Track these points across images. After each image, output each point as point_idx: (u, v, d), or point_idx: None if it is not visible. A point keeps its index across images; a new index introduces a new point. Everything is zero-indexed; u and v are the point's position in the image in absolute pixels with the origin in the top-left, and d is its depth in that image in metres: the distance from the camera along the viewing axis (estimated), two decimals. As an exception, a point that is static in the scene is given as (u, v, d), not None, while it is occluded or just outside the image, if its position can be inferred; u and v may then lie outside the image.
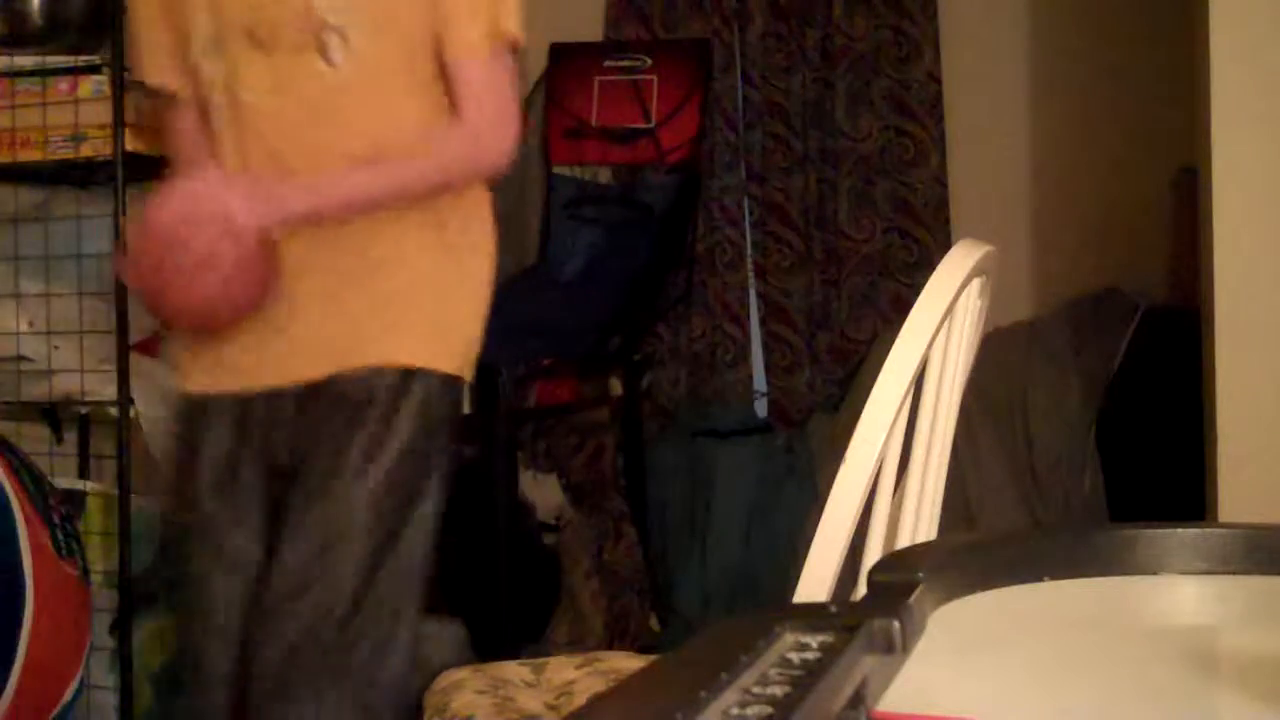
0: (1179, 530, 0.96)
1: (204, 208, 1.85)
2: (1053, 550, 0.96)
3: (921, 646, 0.77)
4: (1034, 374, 3.73)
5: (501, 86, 1.97)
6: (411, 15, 1.94)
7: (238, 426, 1.97)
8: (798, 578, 1.25)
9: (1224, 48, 2.48)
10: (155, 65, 2.04)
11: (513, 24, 1.96)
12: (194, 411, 2.01)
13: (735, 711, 0.58)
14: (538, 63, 4.30)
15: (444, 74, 1.95)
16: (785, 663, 0.64)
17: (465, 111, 1.95)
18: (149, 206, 1.90)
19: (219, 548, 1.96)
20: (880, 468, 1.29)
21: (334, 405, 1.91)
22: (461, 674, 1.92)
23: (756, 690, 0.61)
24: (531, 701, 1.83)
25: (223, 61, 1.94)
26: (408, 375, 1.92)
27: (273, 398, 1.95)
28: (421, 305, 1.96)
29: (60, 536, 2.66)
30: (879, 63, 4.08)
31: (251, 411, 1.96)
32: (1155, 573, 0.95)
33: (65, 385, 2.81)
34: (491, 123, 1.96)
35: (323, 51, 1.90)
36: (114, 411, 2.69)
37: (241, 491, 1.97)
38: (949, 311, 1.36)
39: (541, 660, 1.99)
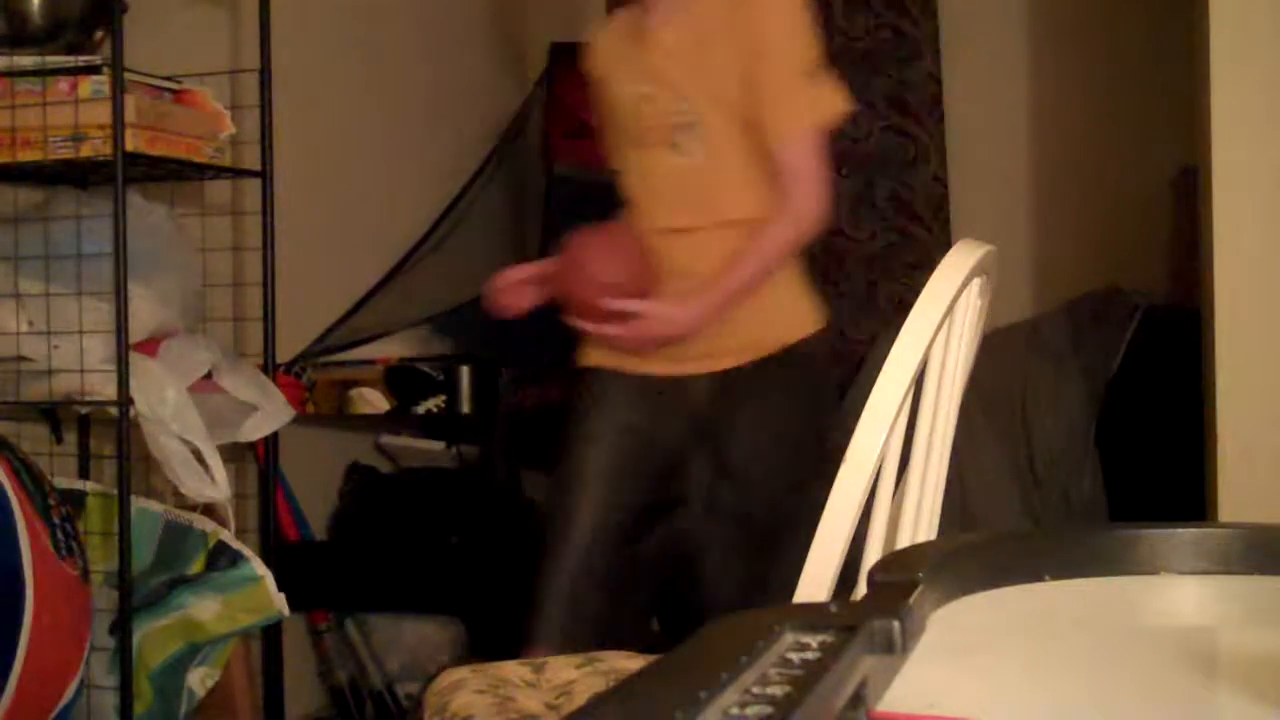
0: (1179, 530, 0.96)
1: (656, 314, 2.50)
2: (1053, 550, 0.96)
3: (921, 646, 0.77)
4: (1034, 374, 3.73)
5: (814, 167, 2.49)
6: (748, 107, 2.47)
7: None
8: (798, 578, 1.25)
9: (1224, 48, 2.48)
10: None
11: (824, 108, 2.50)
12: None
13: (735, 711, 0.58)
14: (538, 63, 4.30)
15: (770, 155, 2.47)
16: (785, 663, 0.64)
17: (787, 194, 2.48)
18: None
19: None
20: (880, 468, 1.29)
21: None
22: (461, 674, 1.92)
23: (756, 690, 0.61)
24: (531, 701, 1.83)
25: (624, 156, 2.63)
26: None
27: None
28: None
29: (60, 536, 2.65)
30: (879, 63, 4.08)
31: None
32: (1155, 573, 0.95)
33: (65, 385, 2.81)
34: (809, 201, 2.48)
35: (676, 147, 2.53)
36: (114, 411, 2.69)
37: None
38: (949, 311, 1.36)
39: (541, 660, 1.99)
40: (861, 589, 1.28)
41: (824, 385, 2.75)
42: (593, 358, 2.68)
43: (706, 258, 2.56)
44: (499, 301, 2.74)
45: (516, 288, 2.72)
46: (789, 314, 2.62)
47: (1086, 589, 0.93)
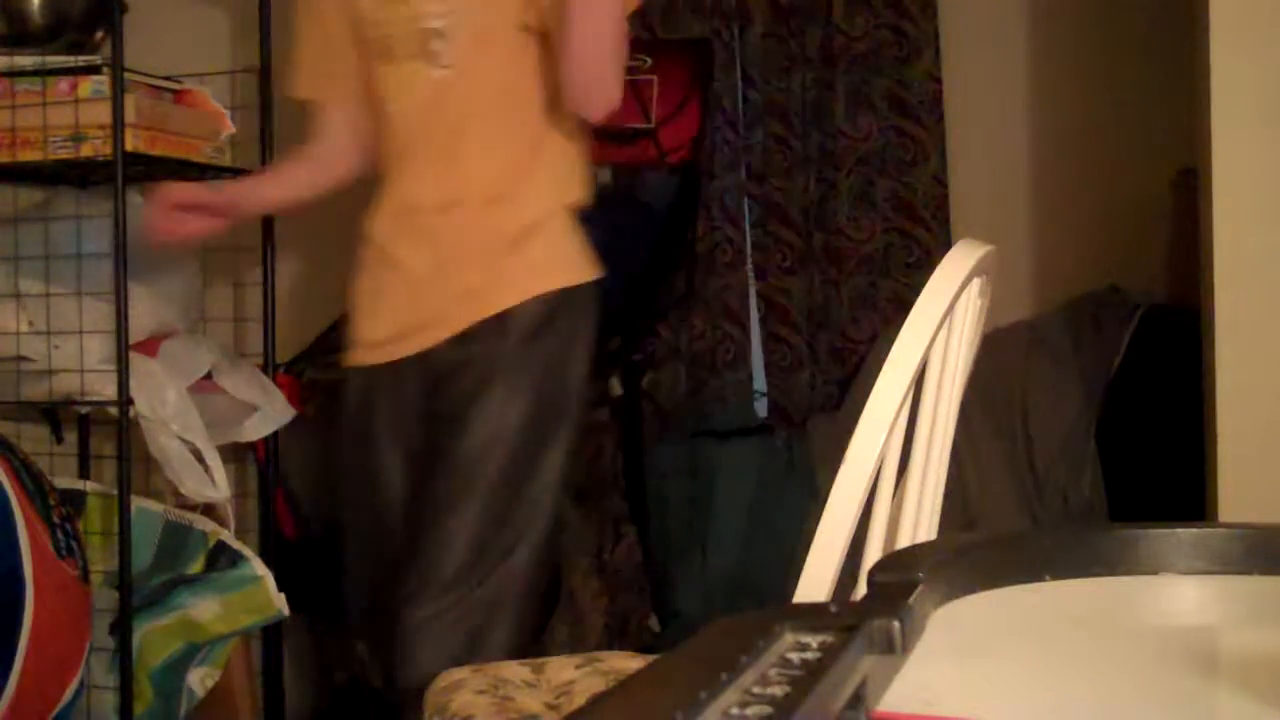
0: (1179, 530, 0.96)
1: None
2: (1053, 550, 0.96)
3: (921, 646, 0.77)
4: (1034, 374, 3.73)
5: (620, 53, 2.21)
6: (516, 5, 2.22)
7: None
8: (798, 578, 1.25)
9: (1224, 48, 2.48)
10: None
11: None
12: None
13: (735, 711, 0.58)
14: (538, 63, 4.29)
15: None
16: (785, 663, 0.64)
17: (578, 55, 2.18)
18: None
19: None
20: (880, 468, 1.29)
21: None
22: (461, 674, 1.92)
23: (756, 690, 0.61)
24: (531, 701, 1.83)
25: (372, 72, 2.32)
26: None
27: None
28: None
29: (60, 536, 2.66)
30: (879, 63, 4.08)
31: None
32: (1155, 573, 0.95)
33: (65, 385, 2.81)
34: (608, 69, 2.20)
35: (431, 57, 2.24)
36: (114, 411, 2.69)
37: None
38: (949, 311, 1.36)
39: (541, 660, 1.99)
40: (861, 589, 1.28)
41: (582, 342, 2.39)
42: (351, 356, 2.41)
43: (461, 225, 2.28)
44: (160, 228, 2.41)
45: (178, 212, 2.41)
46: (540, 262, 2.33)
47: (1087, 589, 0.93)
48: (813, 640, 0.68)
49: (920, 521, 1.43)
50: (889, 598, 0.75)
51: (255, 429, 2.94)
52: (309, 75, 2.46)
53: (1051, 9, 4.05)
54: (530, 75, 2.26)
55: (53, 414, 3.09)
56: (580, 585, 3.52)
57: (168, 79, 2.83)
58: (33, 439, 3.00)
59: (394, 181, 2.34)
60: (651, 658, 1.73)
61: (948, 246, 1.58)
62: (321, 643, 3.57)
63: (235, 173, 3.05)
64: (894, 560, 0.90)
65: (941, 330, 1.35)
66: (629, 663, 1.98)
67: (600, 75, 2.19)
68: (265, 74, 3.07)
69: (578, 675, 1.91)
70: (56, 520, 2.67)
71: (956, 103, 4.06)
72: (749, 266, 4.20)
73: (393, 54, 2.28)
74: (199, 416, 2.77)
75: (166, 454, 2.73)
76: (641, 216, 4.05)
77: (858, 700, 0.64)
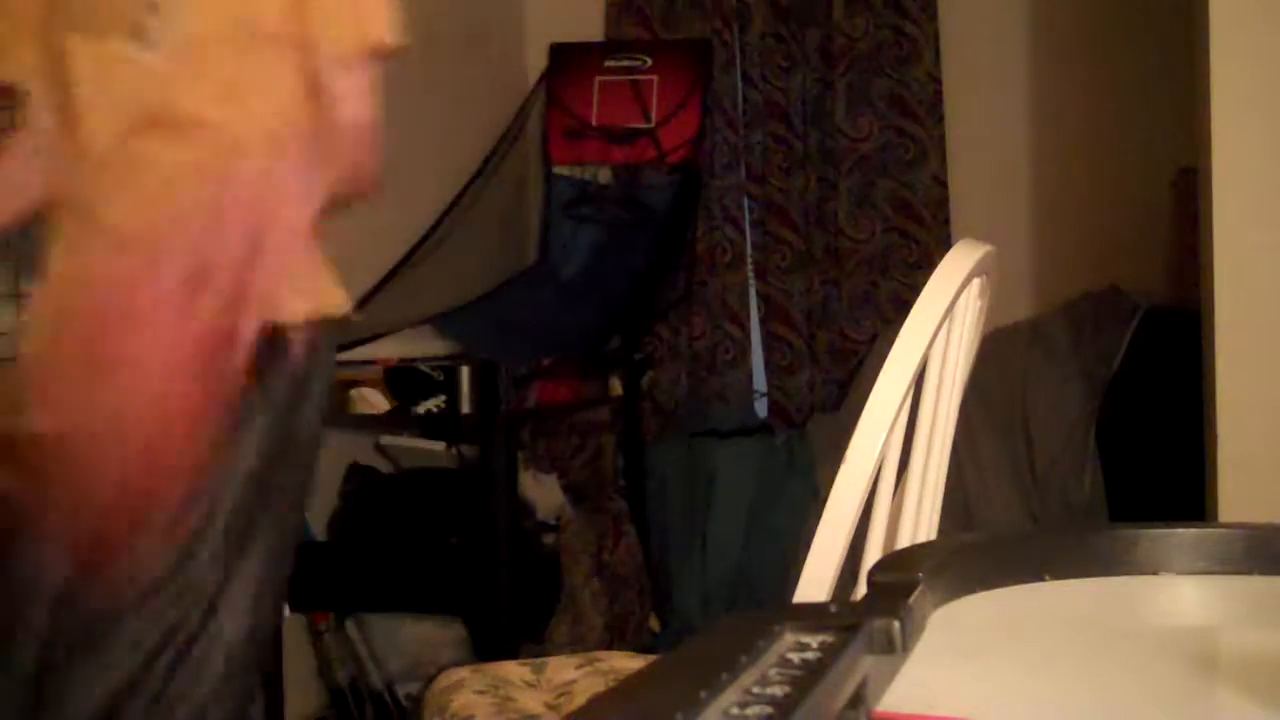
0: (1179, 530, 0.96)
1: None
2: (1053, 550, 0.96)
3: (921, 646, 0.77)
4: (1034, 374, 3.73)
5: (366, 106, 1.88)
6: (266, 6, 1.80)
7: None
8: (798, 578, 1.25)
9: (1224, 48, 2.48)
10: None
11: (382, 31, 1.89)
12: None
13: (735, 711, 0.58)
14: (538, 63, 4.30)
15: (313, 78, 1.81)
16: (785, 663, 0.64)
17: (330, 139, 1.87)
18: None
19: None
20: (880, 468, 1.29)
21: None
22: (461, 674, 1.92)
23: (756, 690, 0.61)
24: (531, 701, 1.83)
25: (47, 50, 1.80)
26: None
27: None
28: None
29: (60, 536, 2.65)
30: (879, 63, 4.08)
31: None
32: (1155, 573, 0.95)
33: (65, 385, 2.80)
34: (359, 153, 1.92)
35: (138, 36, 1.76)
36: (114, 411, 2.68)
37: None
38: (949, 311, 1.36)
39: (541, 660, 1.99)
40: (861, 589, 1.28)
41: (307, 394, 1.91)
42: None
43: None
44: None
45: None
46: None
47: (1086, 589, 0.93)
48: (813, 640, 0.68)
49: (920, 521, 1.43)
50: (889, 598, 0.75)
51: (255, 429, 2.93)
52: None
53: (1051, 9, 4.05)
54: (281, 103, 1.84)
55: (53, 414, 3.08)
56: (580, 585, 3.52)
57: (168, 79, 2.82)
58: (33, 439, 2.99)
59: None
60: (651, 658, 1.73)
61: (948, 246, 1.58)
62: (321, 643, 3.57)
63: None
64: (894, 560, 0.90)
65: (941, 330, 1.35)
66: (629, 663, 1.98)
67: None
68: (265, 74, 3.07)
69: (578, 675, 1.91)
70: (56, 520, 2.66)
71: (956, 103, 4.06)
72: (749, 266, 4.21)
73: (89, 23, 1.77)
74: (199, 416, 2.77)
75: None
76: (641, 216, 4.05)
77: (858, 700, 0.64)
